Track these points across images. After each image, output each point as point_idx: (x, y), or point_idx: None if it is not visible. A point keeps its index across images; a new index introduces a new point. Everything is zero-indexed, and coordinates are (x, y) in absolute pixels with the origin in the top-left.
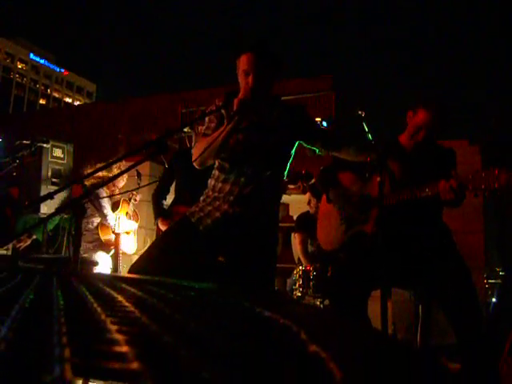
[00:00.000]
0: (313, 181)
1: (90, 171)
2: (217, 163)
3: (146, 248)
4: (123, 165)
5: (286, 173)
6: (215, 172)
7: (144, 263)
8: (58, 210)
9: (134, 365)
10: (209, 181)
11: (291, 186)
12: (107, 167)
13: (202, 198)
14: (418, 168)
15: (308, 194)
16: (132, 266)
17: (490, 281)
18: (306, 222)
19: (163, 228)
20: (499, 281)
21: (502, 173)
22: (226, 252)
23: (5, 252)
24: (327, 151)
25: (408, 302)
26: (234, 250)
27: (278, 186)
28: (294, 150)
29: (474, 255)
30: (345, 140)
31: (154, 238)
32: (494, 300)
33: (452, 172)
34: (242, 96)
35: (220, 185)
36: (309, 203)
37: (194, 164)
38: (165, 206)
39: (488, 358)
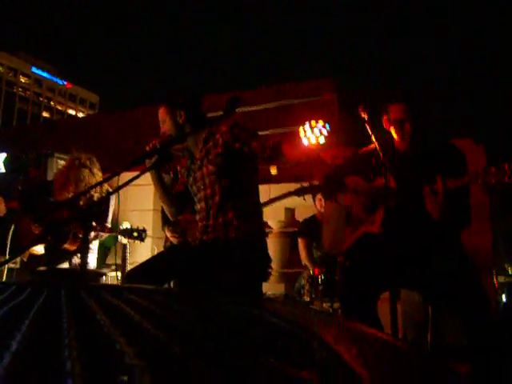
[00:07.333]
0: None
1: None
2: None
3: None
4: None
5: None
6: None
7: (137, 270)
8: (64, 222)
9: (145, 377)
10: None
11: None
12: (112, 178)
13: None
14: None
15: (318, 195)
16: (128, 272)
17: (499, 279)
18: (310, 227)
19: (169, 235)
20: (508, 279)
21: None
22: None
23: (13, 265)
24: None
25: (417, 303)
26: (213, 272)
27: (245, 203)
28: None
29: (482, 255)
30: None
31: (161, 246)
32: (503, 299)
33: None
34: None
35: (198, 215)
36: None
37: None
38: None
39: (499, 358)
